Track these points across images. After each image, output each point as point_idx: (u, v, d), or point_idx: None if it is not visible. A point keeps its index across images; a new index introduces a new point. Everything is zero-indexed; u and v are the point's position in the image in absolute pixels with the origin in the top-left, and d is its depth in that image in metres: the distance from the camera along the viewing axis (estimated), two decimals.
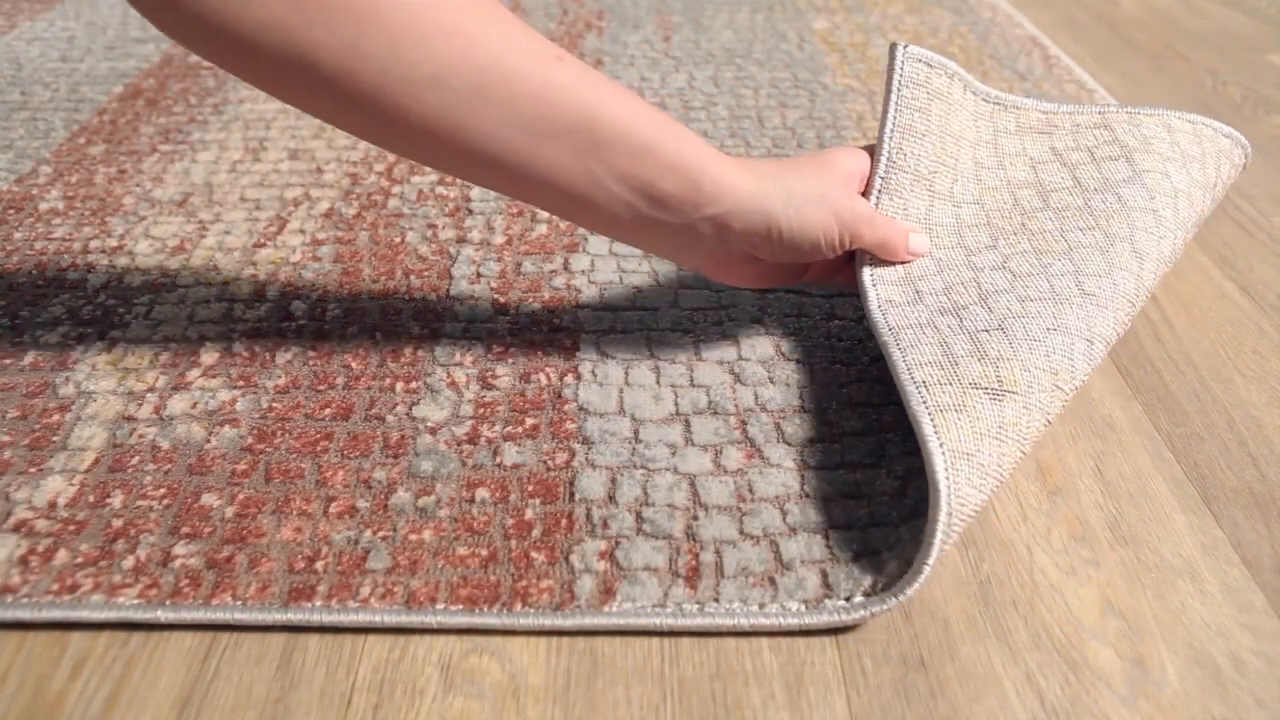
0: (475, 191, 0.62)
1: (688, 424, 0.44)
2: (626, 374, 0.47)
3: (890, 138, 0.45)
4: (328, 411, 0.44)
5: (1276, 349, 0.50)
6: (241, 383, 0.46)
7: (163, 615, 0.35)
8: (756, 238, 0.41)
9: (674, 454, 0.42)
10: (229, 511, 0.39)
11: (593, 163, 0.38)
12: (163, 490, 0.40)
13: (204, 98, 0.76)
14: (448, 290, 0.53)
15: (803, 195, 0.41)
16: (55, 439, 0.43)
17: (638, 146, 0.38)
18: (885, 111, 0.45)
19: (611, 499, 0.40)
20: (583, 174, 0.38)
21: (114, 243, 0.57)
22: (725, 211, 0.40)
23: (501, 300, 0.52)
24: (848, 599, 0.35)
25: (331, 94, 0.35)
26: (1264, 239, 0.59)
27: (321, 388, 0.46)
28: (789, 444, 0.43)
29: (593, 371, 0.47)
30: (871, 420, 0.44)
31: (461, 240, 0.57)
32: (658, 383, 0.46)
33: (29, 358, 0.47)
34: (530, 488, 0.40)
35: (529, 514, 0.39)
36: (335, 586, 0.36)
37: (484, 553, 0.37)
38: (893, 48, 0.46)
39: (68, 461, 0.41)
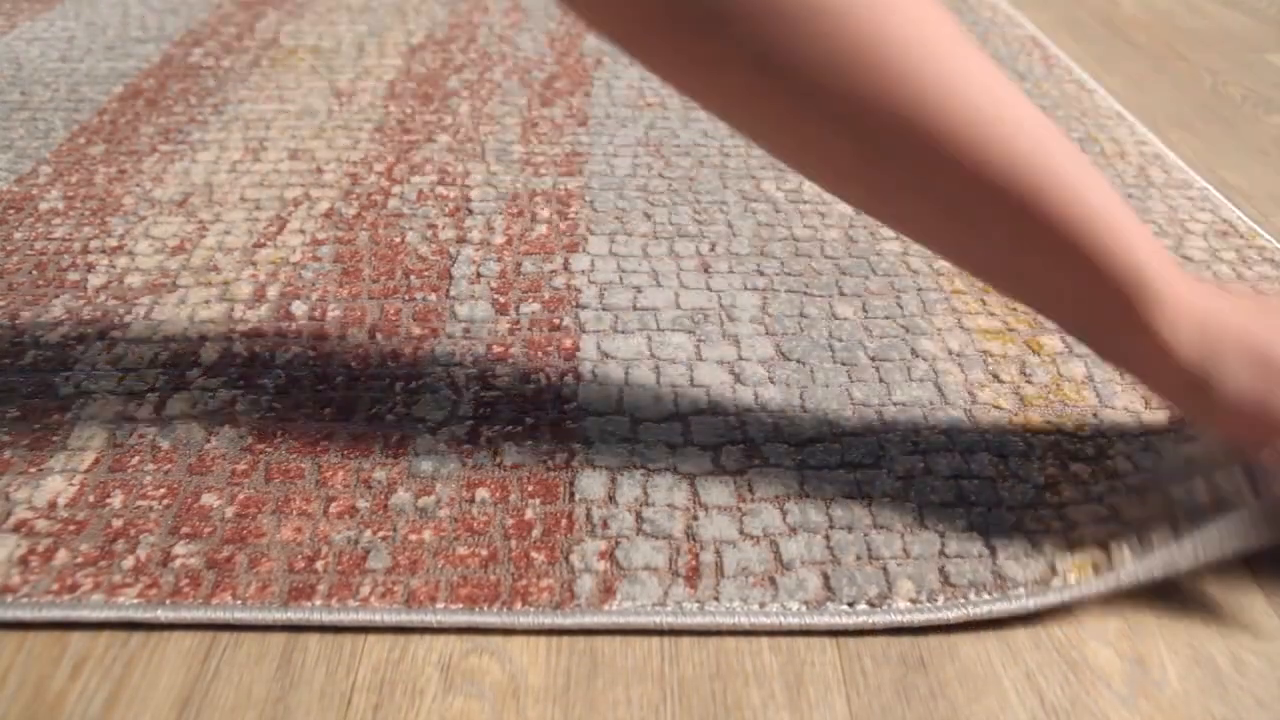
0: (475, 191, 0.62)
1: (687, 424, 0.44)
2: (626, 374, 0.47)
3: None
4: (328, 411, 0.44)
5: None
6: (241, 383, 0.46)
7: (163, 615, 0.35)
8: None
9: (674, 454, 0.42)
10: (229, 511, 0.39)
11: (1023, 242, 0.32)
12: (163, 490, 0.40)
13: (204, 98, 0.76)
14: (448, 290, 0.53)
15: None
16: (55, 439, 0.43)
17: (1075, 239, 0.32)
18: None
19: (611, 499, 0.40)
20: (1003, 245, 0.33)
21: (114, 243, 0.57)
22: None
23: (501, 300, 0.52)
24: (850, 604, 0.35)
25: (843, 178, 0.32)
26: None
27: (321, 388, 0.46)
28: (789, 444, 0.43)
29: (593, 371, 0.47)
30: (872, 420, 0.44)
31: (461, 240, 0.57)
32: (658, 383, 0.46)
33: (29, 358, 0.47)
34: (530, 488, 0.40)
35: (529, 514, 0.39)
36: (335, 586, 0.36)
37: (484, 552, 0.37)
38: None
39: (68, 461, 0.41)
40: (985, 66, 0.31)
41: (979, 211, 0.31)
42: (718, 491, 0.40)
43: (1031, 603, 0.35)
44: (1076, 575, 0.36)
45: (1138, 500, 0.39)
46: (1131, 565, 0.36)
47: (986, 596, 0.35)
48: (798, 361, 0.48)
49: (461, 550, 0.37)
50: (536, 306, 0.51)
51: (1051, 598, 0.35)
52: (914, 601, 0.35)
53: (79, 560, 0.37)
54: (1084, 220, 0.31)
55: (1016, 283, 0.35)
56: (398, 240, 0.57)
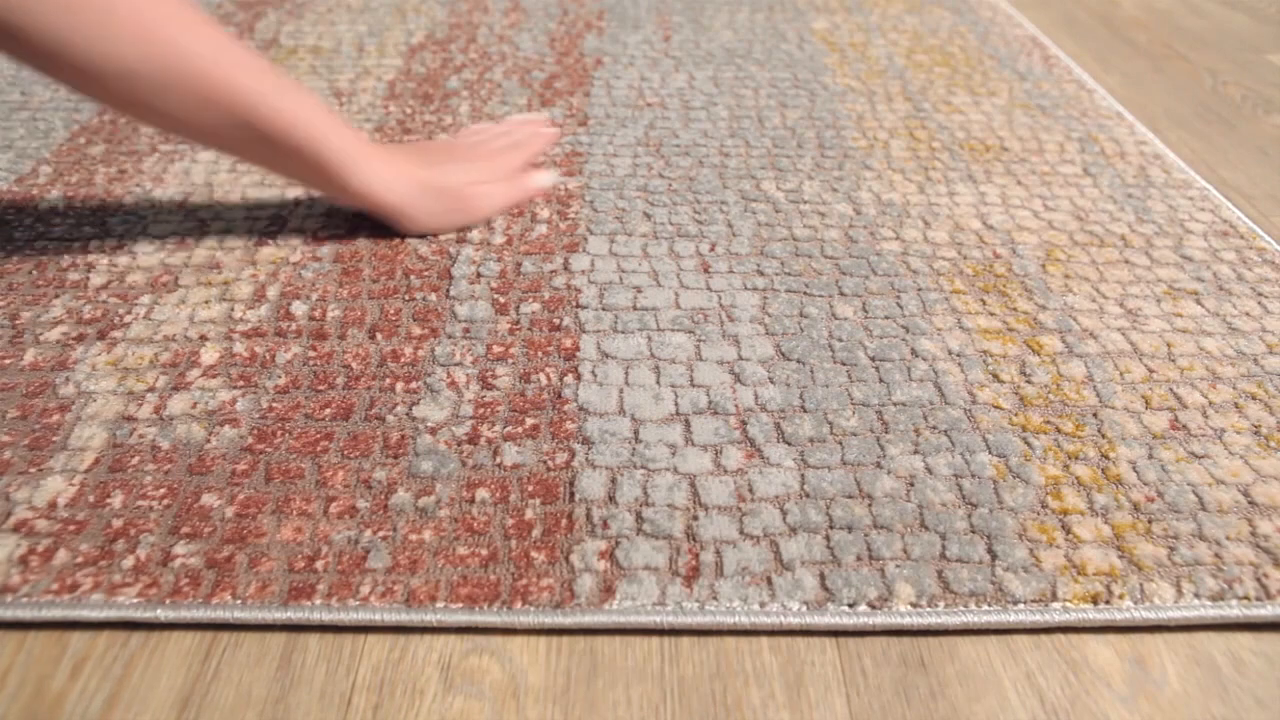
0: None
1: (688, 424, 0.44)
2: (626, 374, 0.47)
3: None
4: (328, 411, 0.44)
5: None
6: (241, 383, 0.46)
7: (162, 614, 0.35)
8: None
9: (674, 454, 0.42)
10: (229, 511, 0.39)
11: (259, 149, 0.49)
12: (163, 490, 0.40)
13: None
14: (448, 290, 0.53)
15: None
16: (55, 439, 0.43)
17: (290, 144, 0.49)
18: None
19: (611, 499, 0.40)
20: (250, 154, 0.50)
21: (114, 242, 0.57)
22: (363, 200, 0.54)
23: (501, 300, 0.52)
24: (850, 605, 0.35)
25: (42, 65, 0.42)
26: None
27: (321, 388, 0.46)
28: (789, 444, 0.43)
29: (593, 371, 0.47)
30: (871, 420, 0.44)
31: (461, 240, 0.57)
32: (658, 383, 0.46)
33: (29, 358, 0.47)
34: (530, 488, 0.40)
35: (529, 514, 0.39)
36: (335, 585, 0.36)
37: (484, 552, 0.37)
38: None
39: (68, 461, 0.41)
40: (215, 29, 0.46)
41: (220, 128, 0.47)
42: (718, 491, 0.40)
43: (1030, 620, 0.35)
44: (1077, 603, 0.36)
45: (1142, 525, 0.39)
46: (1130, 607, 0.36)
47: (986, 607, 0.35)
48: (798, 361, 0.48)
49: (461, 550, 0.37)
50: (536, 306, 0.51)
51: (1050, 618, 0.35)
52: (914, 605, 0.35)
53: (79, 560, 0.37)
54: (290, 127, 0.48)
55: (261, 166, 0.52)
56: (398, 240, 0.57)
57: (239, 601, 0.35)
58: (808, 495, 0.40)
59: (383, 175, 0.53)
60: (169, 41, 0.43)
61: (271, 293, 0.52)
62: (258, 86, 0.46)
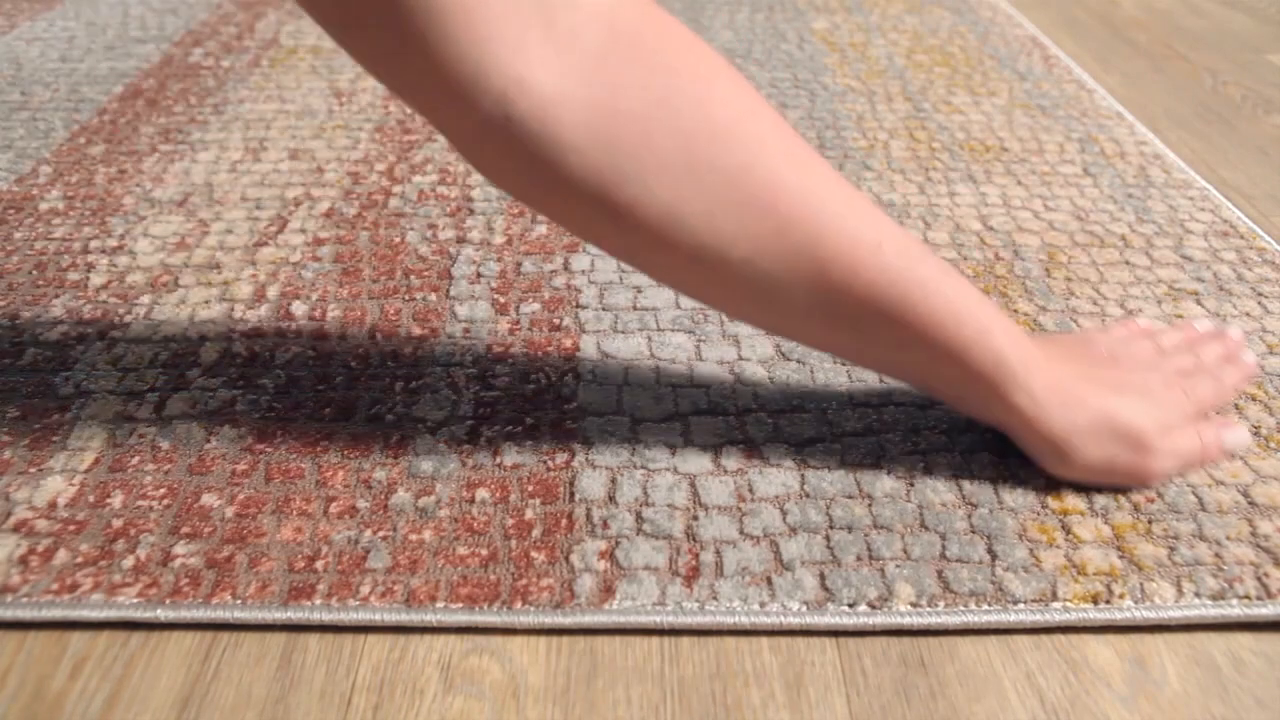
0: (476, 191, 0.62)
1: (687, 424, 0.44)
2: (626, 374, 0.47)
3: None
4: (328, 411, 0.44)
5: None
6: (241, 383, 0.46)
7: (162, 614, 0.35)
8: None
9: (673, 454, 0.42)
10: (229, 511, 0.39)
11: (900, 350, 0.38)
12: (163, 490, 0.40)
13: (204, 98, 0.76)
14: (448, 290, 0.53)
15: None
16: (55, 439, 0.43)
17: (943, 345, 0.37)
18: None
19: (611, 499, 0.40)
20: (883, 352, 0.39)
21: (114, 242, 0.57)
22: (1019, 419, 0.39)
23: (501, 300, 0.52)
24: (850, 605, 0.35)
25: (645, 254, 0.34)
26: None
27: (321, 388, 0.46)
28: (789, 444, 0.43)
29: (593, 371, 0.47)
30: (871, 420, 0.44)
31: (461, 240, 0.57)
32: (657, 382, 0.46)
33: (29, 358, 0.47)
34: (530, 488, 0.40)
35: (529, 514, 0.39)
36: (335, 585, 0.36)
37: (484, 552, 0.37)
38: None
39: (68, 461, 0.41)
40: (846, 189, 0.35)
41: (862, 323, 0.36)
42: (718, 491, 0.40)
43: (1030, 619, 0.35)
44: (1077, 603, 0.36)
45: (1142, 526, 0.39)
46: (1130, 607, 0.35)
47: (986, 607, 0.35)
48: (797, 361, 0.48)
49: (461, 550, 0.37)
50: (536, 306, 0.51)
51: (1051, 618, 0.35)
52: (914, 605, 0.35)
53: (79, 560, 0.37)
54: (948, 321, 0.36)
55: (901, 373, 0.41)
56: (398, 240, 0.57)
57: (239, 601, 0.35)
58: (807, 495, 0.40)
59: (1058, 397, 0.39)
60: (799, 215, 0.33)
61: (271, 293, 0.52)
62: (907, 272, 0.35)
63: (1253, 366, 0.45)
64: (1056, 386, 0.39)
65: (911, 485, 0.41)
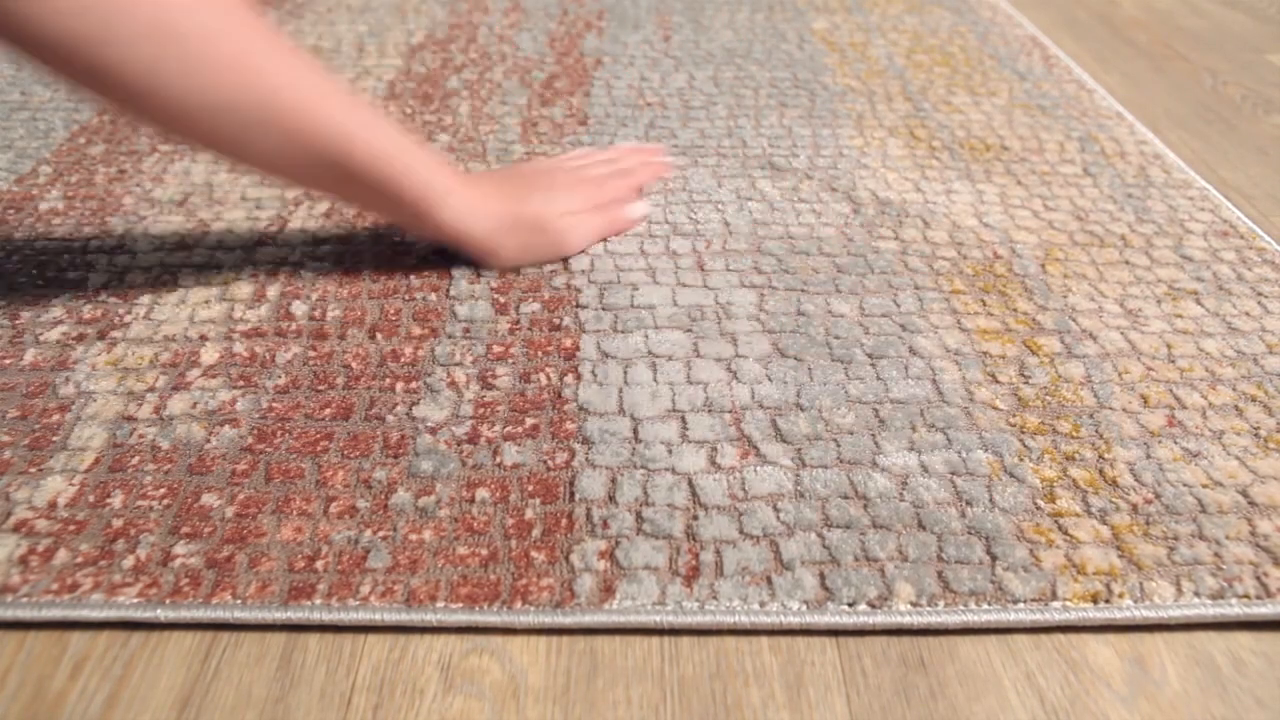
0: None
1: (684, 421, 0.44)
2: (626, 374, 0.47)
3: None
4: (328, 411, 0.44)
5: None
6: (241, 383, 0.46)
7: (162, 614, 0.35)
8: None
9: (671, 453, 0.42)
10: (229, 511, 0.39)
11: (345, 185, 0.47)
12: (163, 490, 0.40)
13: None
14: (448, 290, 0.53)
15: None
16: (55, 439, 0.43)
17: (379, 180, 0.47)
18: None
19: (611, 499, 0.40)
20: (334, 189, 0.48)
21: (114, 242, 0.57)
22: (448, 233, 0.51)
23: (501, 300, 0.52)
24: (850, 604, 0.35)
25: (127, 106, 0.40)
26: None
27: (321, 388, 0.46)
28: (786, 442, 0.43)
29: (593, 371, 0.47)
30: (869, 418, 0.44)
31: None
32: (655, 380, 0.46)
33: (29, 358, 0.47)
34: (530, 488, 0.40)
35: (529, 514, 0.39)
36: (335, 585, 0.36)
37: (484, 552, 0.37)
38: None
39: (68, 461, 0.41)
40: (305, 58, 0.44)
41: (320, 162, 0.45)
42: (717, 491, 0.40)
43: (1030, 619, 0.35)
44: (1077, 602, 0.36)
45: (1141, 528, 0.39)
46: (1130, 606, 0.35)
47: (986, 606, 0.35)
48: (795, 359, 0.48)
49: (461, 550, 0.37)
50: (536, 306, 0.51)
51: (1051, 617, 0.35)
52: (914, 604, 0.35)
53: (79, 560, 0.37)
54: (382, 158, 0.46)
55: (347, 200, 0.52)
56: (398, 240, 0.57)
57: (239, 601, 0.35)
58: (802, 495, 0.40)
59: (472, 209, 0.50)
60: (260, 75, 0.41)
61: (271, 293, 0.52)
62: (346, 121, 0.44)
63: (664, 166, 0.62)
64: (473, 201, 0.50)
65: (908, 484, 0.41)
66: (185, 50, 0.38)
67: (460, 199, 0.49)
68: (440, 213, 0.49)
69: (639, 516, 0.39)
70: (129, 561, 0.37)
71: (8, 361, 0.47)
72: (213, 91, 0.40)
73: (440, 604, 0.35)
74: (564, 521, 0.39)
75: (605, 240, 0.56)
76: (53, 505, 0.39)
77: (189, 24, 0.38)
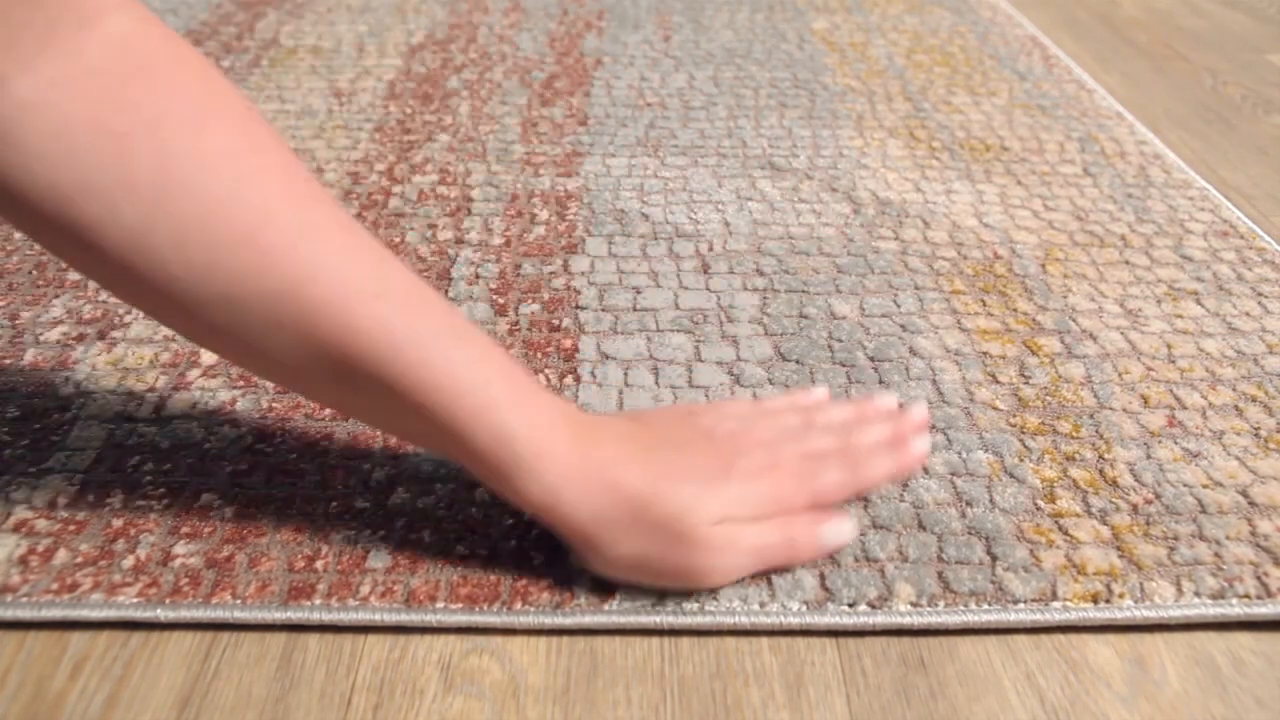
0: (475, 192, 0.62)
1: None
2: (626, 374, 0.47)
3: None
4: (328, 411, 0.44)
5: None
6: (241, 383, 0.46)
7: (162, 614, 0.35)
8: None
9: None
10: (229, 511, 0.39)
11: (395, 421, 0.34)
12: (163, 490, 0.40)
13: None
14: (447, 291, 0.53)
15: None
16: (55, 439, 0.43)
17: (440, 423, 0.32)
18: None
19: None
20: (380, 423, 0.36)
21: None
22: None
23: (501, 301, 0.52)
24: (850, 605, 0.35)
25: (105, 277, 0.31)
26: None
27: None
28: None
29: (593, 372, 0.47)
30: None
31: (460, 241, 0.57)
32: (656, 383, 0.46)
33: (29, 358, 0.47)
34: None
35: (529, 514, 0.39)
36: (335, 585, 0.36)
37: (484, 552, 0.37)
38: None
39: (68, 461, 0.41)
40: (354, 234, 0.32)
41: (360, 383, 0.32)
42: None
43: (1030, 619, 0.35)
44: (1077, 602, 0.36)
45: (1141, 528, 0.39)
46: (1130, 606, 0.35)
47: (986, 606, 0.35)
48: (796, 362, 0.48)
49: (461, 550, 0.37)
50: (536, 307, 0.51)
51: (1051, 617, 0.35)
52: (914, 604, 0.35)
53: (79, 560, 0.37)
54: (444, 390, 0.32)
55: (421, 444, 0.37)
56: (398, 240, 0.57)
57: (239, 601, 0.35)
58: None
59: (574, 480, 0.33)
60: (280, 260, 0.30)
61: None
62: (396, 333, 0.31)
63: (916, 457, 0.38)
64: (581, 472, 0.33)
65: (908, 485, 0.41)
66: (183, 214, 0.29)
67: (560, 464, 0.33)
68: (525, 480, 0.33)
69: None
70: (129, 561, 0.37)
71: (8, 361, 0.47)
72: (209, 275, 0.29)
73: (440, 604, 0.35)
74: None
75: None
76: (53, 505, 0.39)
77: (196, 184, 0.29)
